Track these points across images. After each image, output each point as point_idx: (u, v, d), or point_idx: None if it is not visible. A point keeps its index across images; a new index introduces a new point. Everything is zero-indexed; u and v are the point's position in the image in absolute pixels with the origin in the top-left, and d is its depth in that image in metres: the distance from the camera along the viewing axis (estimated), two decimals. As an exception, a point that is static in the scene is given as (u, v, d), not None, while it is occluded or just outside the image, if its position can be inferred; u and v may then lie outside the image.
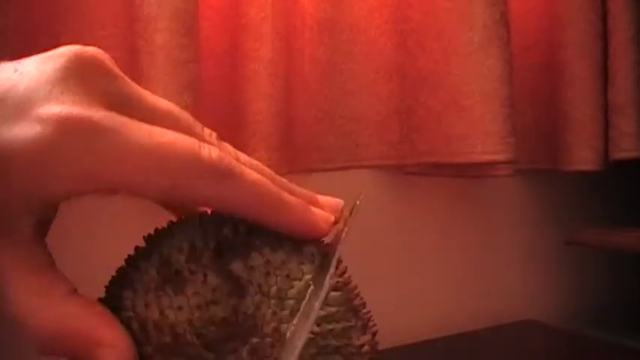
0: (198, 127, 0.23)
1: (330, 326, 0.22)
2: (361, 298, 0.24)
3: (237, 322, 0.21)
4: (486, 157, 0.58)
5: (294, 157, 0.60)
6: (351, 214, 0.25)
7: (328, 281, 0.21)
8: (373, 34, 0.64)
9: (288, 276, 0.21)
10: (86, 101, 0.19)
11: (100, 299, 0.22)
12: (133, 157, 0.19)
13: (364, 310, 0.24)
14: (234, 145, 0.24)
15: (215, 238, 0.22)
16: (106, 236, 0.51)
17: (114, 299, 0.22)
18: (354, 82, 0.64)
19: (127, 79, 0.21)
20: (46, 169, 0.18)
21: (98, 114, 0.19)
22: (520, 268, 0.79)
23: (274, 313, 0.21)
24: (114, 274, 0.23)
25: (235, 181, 0.21)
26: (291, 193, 0.23)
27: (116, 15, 0.51)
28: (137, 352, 0.20)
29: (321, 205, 0.25)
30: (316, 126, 0.63)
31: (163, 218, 0.24)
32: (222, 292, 0.21)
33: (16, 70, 0.19)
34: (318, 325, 0.21)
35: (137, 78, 0.48)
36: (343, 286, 0.23)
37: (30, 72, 0.19)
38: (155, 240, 0.23)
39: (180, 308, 0.20)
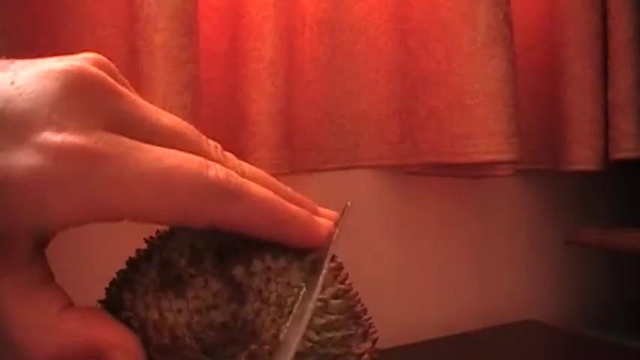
0: (203, 142, 0.22)
1: (330, 334, 0.22)
2: (362, 305, 0.24)
3: (237, 327, 0.20)
4: (490, 157, 0.58)
5: (295, 156, 0.60)
6: (342, 215, 0.25)
7: (321, 283, 0.21)
8: (373, 33, 0.64)
9: (289, 283, 0.21)
10: (87, 125, 0.18)
11: (99, 301, 0.22)
12: (137, 184, 0.18)
13: (365, 317, 0.24)
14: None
15: (216, 242, 0.22)
16: (108, 238, 0.51)
17: (114, 300, 0.21)
18: (355, 82, 0.64)
19: (130, 95, 0.20)
20: (45, 200, 0.17)
21: (100, 141, 0.18)
22: (520, 268, 0.79)
23: (273, 321, 0.21)
24: (114, 276, 0.23)
25: (243, 200, 0.20)
26: (296, 202, 0.23)
27: (116, 15, 0.51)
28: None
29: (321, 215, 0.25)
30: (317, 126, 0.63)
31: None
32: (223, 297, 0.21)
33: (12, 83, 0.18)
34: (318, 333, 0.21)
35: (137, 78, 0.48)
36: (344, 293, 0.23)
37: (28, 87, 0.18)
38: (157, 243, 0.23)
39: (179, 311, 0.20)
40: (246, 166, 0.23)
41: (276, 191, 0.23)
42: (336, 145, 0.64)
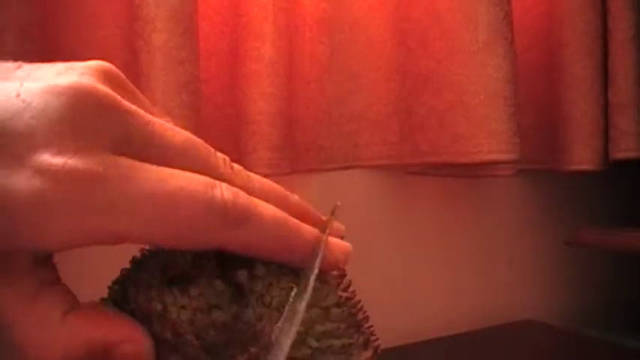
0: (212, 157, 0.22)
1: (330, 342, 0.22)
2: (364, 312, 0.24)
3: (238, 329, 0.21)
4: (492, 157, 0.58)
5: (295, 156, 0.60)
6: (332, 215, 0.25)
7: (311, 283, 0.21)
8: (373, 33, 0.64)
9: (291, 289, 0.21)
10: (91, 147, 0.18)
11: (102, 299, 0.22)
12: (139, 209, 0.18)
13: (367, 325, 0.24)
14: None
15: None
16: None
17: (117, 295, 0.22)
18: (355, 82, 0.64)
19: (138, 112, 0.19)
20: (44, 223, 0.17)
21: (102, 164, 0.18)
22: (520, 268, 0.79)
23: (274, 325, 0.21)
24: (118, 275, 0.23)
25: (251, 224, 0.20)
26: (305, 213, 0.23)
27: (117, 15, 0.52)
28: None
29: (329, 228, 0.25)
30: (317, 125, 0.63)
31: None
32: (225, 298, 0.21)
33: (18, 95, 0.18)
34: (318, 340, 0.21)
35: (137, 77, 0.48)
36: (346, 301, 0.23)
37: (34, 101, 0.17)
38: None
39: (183, 307, 0.20)
40: (256, 180, 0.23)
41: (284, 204, 0.22)
42: (336, 145, 0.64)
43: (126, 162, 0.18)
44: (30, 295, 0.19)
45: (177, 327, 0.20)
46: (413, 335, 0.65)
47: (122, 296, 0.21)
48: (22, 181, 0.17)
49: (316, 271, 0.21)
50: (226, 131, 0.56)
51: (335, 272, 0.24)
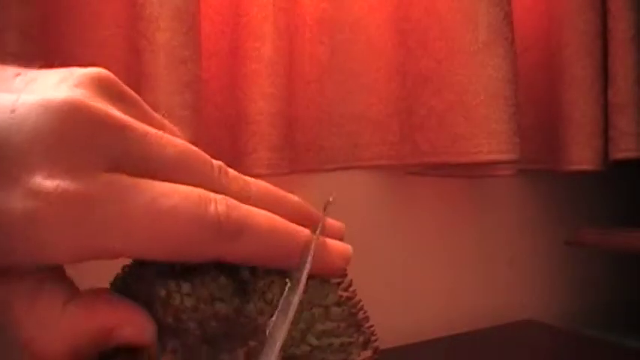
0: (207, 166, 0.22)
1: (329, 341, 0.22)
2: (365, 312, 0.24)
3: (239, 323, 0.21)
4: (492, 157, 0.58)
5: (295, 156, 0.60)
6: (324, 211, 0.25)
7: (304, 277, 0.21)
8: (374, 33, 0.64)
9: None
10: (84, 166, 0.18)
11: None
12: (133, 228, 0.18)
13: (367, 325, 0.24)
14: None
15: None
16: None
17: (119, 284, 0.22)
18: (355, 82, 0.64)
19: (132, 127, 0.19)
20: (37, 243, 0.17)
21: (94, 185, 0.18)
22: (520, 268, 0.79)
23: None
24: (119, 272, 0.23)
25: (246, 236, 0.20)
26: (304, 213, 0.23)
27: (118, 14, 0.52)
28: None
29: (329, 227, 0.25)
30: (317, 126, 0.63)
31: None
32: (228, 292, 0.21)
33: (14, 111, 0.18)
34: (318, 338, 0.21)
35: (139, 77, 0.48)
36: (347, 301, 0.23)
37: (29, 119, 0.17)
38: None
39: (187, 295, 0.20)
40: (253, 185, 0.23)
41: (282, 207, 0.22)
42: (336, 145, 0.64)
43: (120, 181, 0.18)
44: (31, 290, 0.19)
45: (179, 313, 0.20)
46: (413, 335, 0.65)
47: (124, 284, 0.21)
48: (14, 202, 0.17)
49: (309, 265, 0.21)
50: (226, 131, 0.56)
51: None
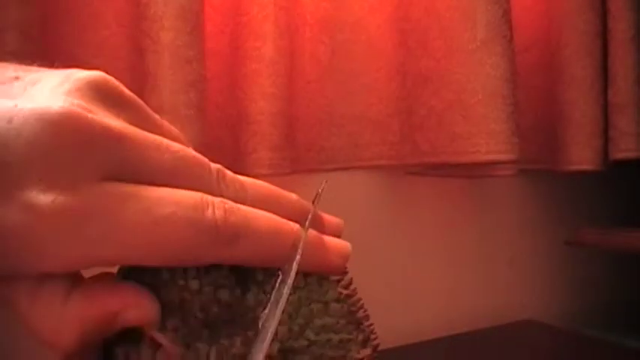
0: (205, 170, 0.22)
1: (328, 336, 0.22)
2: (365, 311, 0.24)
3: (239, 312, 0.21)
4: (491, 157, 0.58)
5: (295, 156, 0.60)
6: (314, 202, 0.25)
7: (295, 268, 0.21)
8: (374, 32, 0.64)
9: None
10: (79, 179, 0.18)
11: None
12: (128, 238, 0.18)
13: (367, 324, 0.24)
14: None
15: None
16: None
17: (124, 270, 0.22)
18: (355, 82, 0.64)
19: (128, 135, 0.19)
20: (32, 256, 0.18)
21: (90, 197, 0.18)
22: (520, 268, 0.79)
23: None
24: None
25: (243, 240, 0.20)
26: (304, 212, 0.23)
27: (120, 14, 0.52)
28: None
29: (327, 224, 0.25)
30: (317, 125, 0.63)
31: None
32: (231, 281, 0.21)
33: (10, 121, 0.17)
34: (317, 334, 0.22)
35: (142, 77, 0.48)
36: (346, 298, 0.23)
37: (24, 130, 0.17)
38: None
39: (193, 278, 0.21)
40: (250, 186, 0.23)
41: (281, 208, 0.23)
42: (336, 145, 0.64)
43: (115, 191, 0.18)
44: (35, 283, 0.19)
45: (184, 292, 0.20)
46: (413, 335, 0.65)
47: (129, 273, 0.21)
48: (9, 215, 0.17)
49: (298, 256, 0.21)
50: (227, 131, 0.56)
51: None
